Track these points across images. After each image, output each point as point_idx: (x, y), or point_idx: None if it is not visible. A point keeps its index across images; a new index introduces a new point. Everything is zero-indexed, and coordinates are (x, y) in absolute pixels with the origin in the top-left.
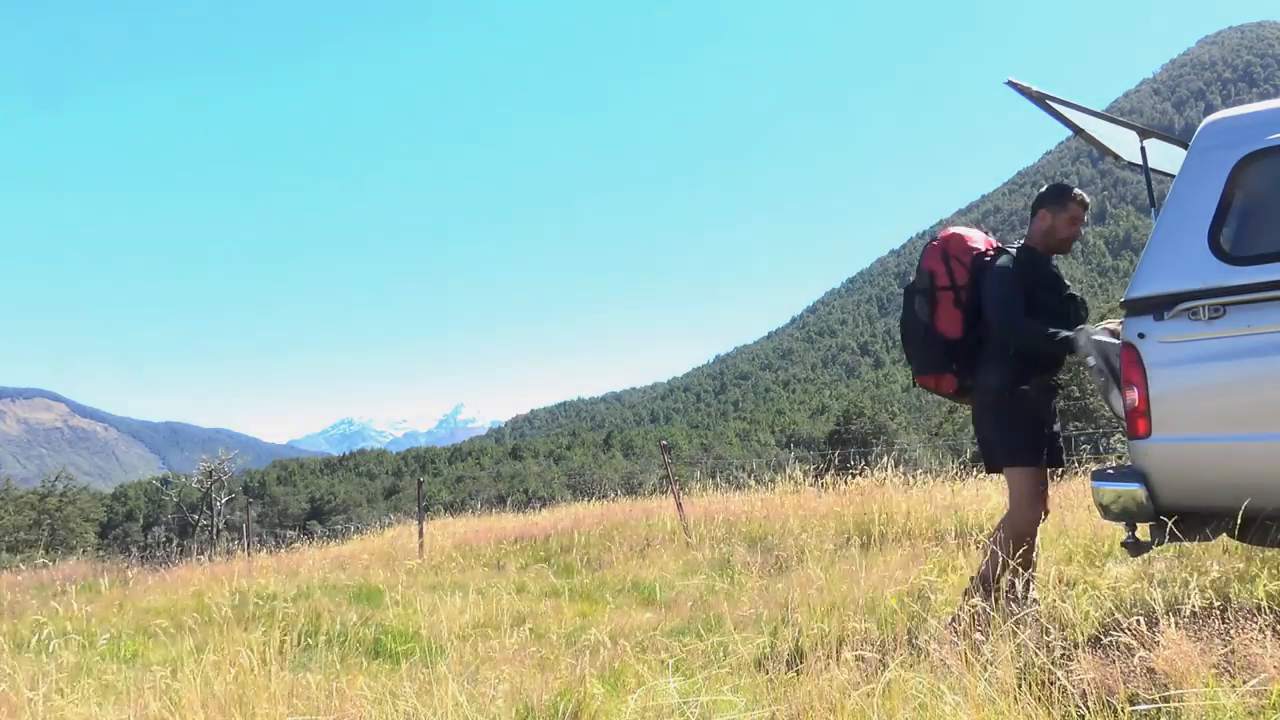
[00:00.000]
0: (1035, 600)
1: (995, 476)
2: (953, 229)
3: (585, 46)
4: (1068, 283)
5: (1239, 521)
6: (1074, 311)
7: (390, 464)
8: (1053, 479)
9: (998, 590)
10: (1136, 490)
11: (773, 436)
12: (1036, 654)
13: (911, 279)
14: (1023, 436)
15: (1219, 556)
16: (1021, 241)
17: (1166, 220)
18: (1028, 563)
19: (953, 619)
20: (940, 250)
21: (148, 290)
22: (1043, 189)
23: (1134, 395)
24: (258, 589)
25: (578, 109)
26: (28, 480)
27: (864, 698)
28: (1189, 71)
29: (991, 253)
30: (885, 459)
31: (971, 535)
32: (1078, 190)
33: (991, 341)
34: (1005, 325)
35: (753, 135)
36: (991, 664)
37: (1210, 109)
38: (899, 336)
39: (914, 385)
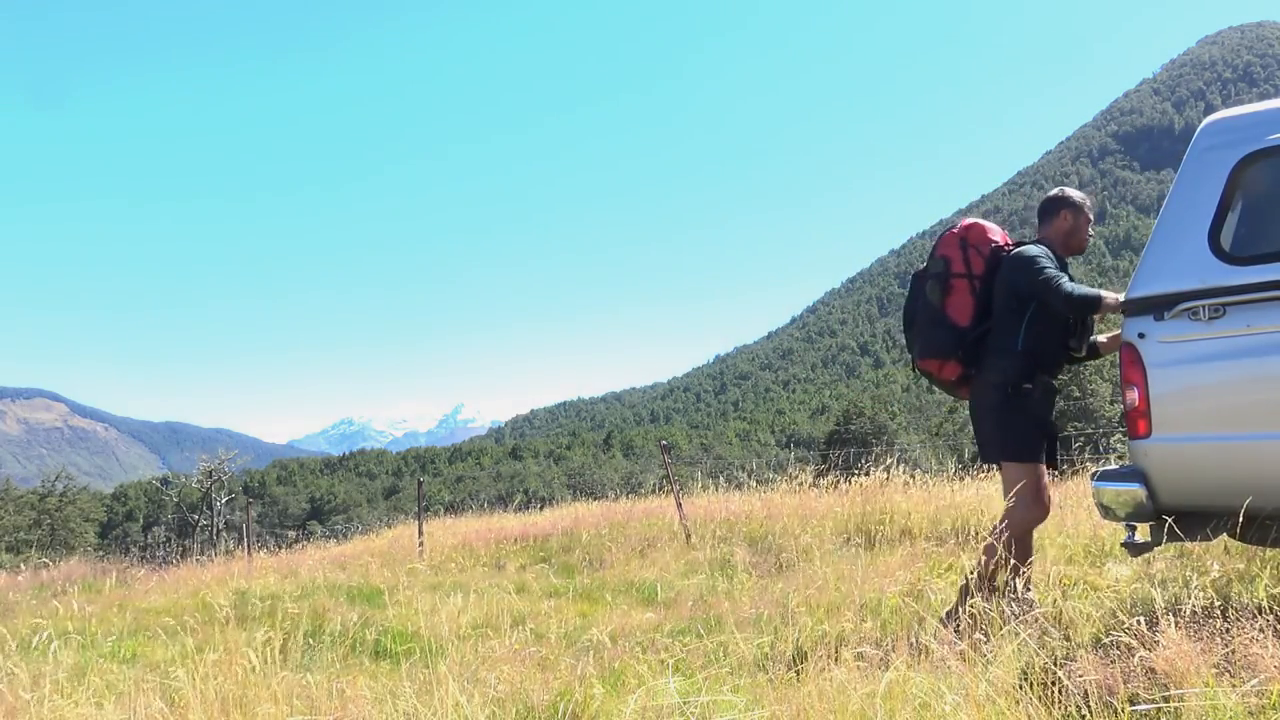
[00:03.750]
0: (1032, 600)
1: (997, 476)
2: (973, 219)
3: (584, 46)
4: None
5: (1239, 521)
6: (1079, 325)
7: (390, 464)
8: (1052, 480)
9: (996, 588)
10: (1136, 490)
11: (773, 436)
12: (1037, 654)
13: (923, 265)
14: (1024, 434)
15: (1219, 556)
16: (1038, 238)
17: (1166, 220)
18: (1024, 560)
19: (948, 614)
20: (960, 238)
21: (148, 290)
22: (1056, 192)
23: (1134, 395)
24: (258, 589)
25: (578, 108)
26: (28, 480)
27: (865, 698)
28: (1189, 71)
29: (1009, 247)
30: (888, 459)
31: (972, 535)
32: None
33: (998, 336)
34: (1061, 298)
35: (753, 135)
36: (992, 664)
37: (1210, 109)
38: (902, 329)
39: (914, 370)
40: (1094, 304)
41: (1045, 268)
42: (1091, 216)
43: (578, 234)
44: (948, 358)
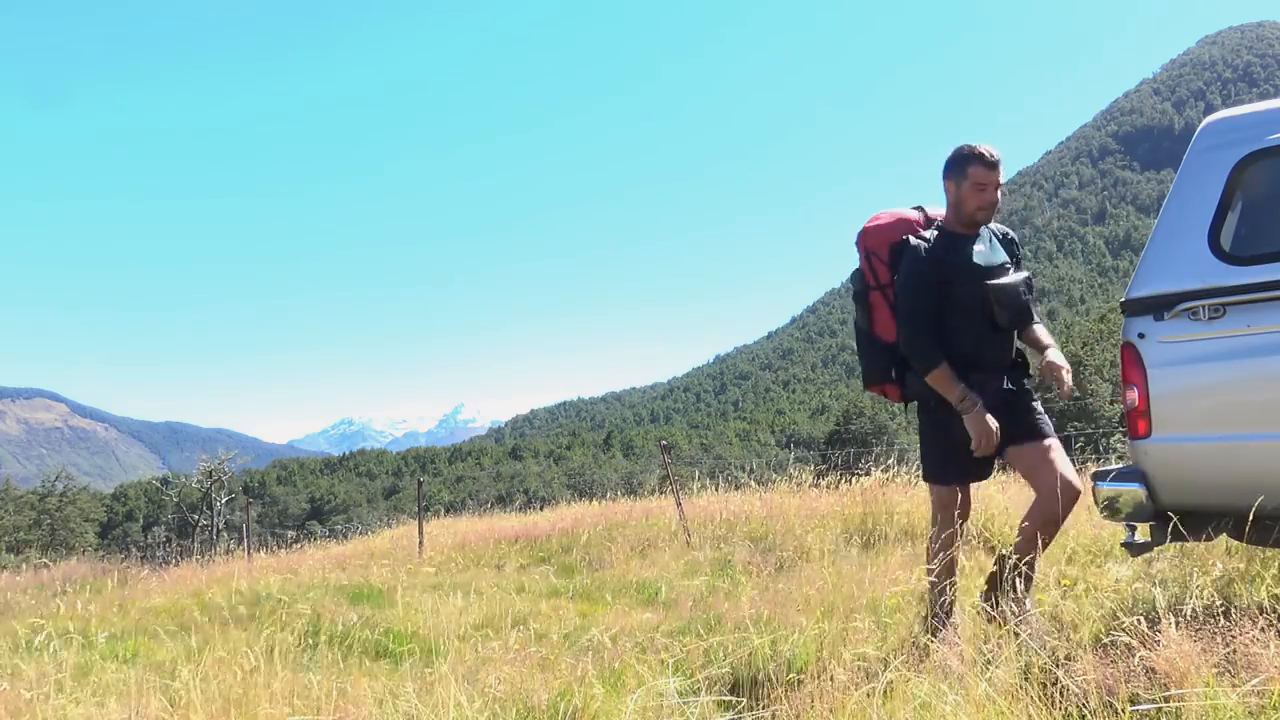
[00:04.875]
0: (955, 626)
1: (996, 476)
2: (872, 219)
3: (584, 46)
4: (1004, 264)
5: (1240, 521)
6: (995, 302)
7: (390, 464)
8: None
9: (935, 614)
10: (1136, 490)
11: (773, 436)
12: (1038, 654)
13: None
14: (934, 450)
15: (1220, 556)
16: (939, 221)
17: (1166, 220)
18: (945, 576)
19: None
20: (862, 246)
21: (148, 290)
22: (948, 155)
23: (1134, 395)
24: (258, 589)
25: (577, 108)
26: (28, 480)
27: (865, 698)
28: (1189, 71)
29: (909, 239)
30: (890, 459)
31: (972, 535)
32: (979, 148)
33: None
34: (904, 338)
35: (752, 134)
36: (993, 664)
37: (1210, 109)
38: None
39: (865, 390)
40: (919, 362)
41: (901, 298)
42: (985, 172)
43: (578, 234)
44: (884, 381)
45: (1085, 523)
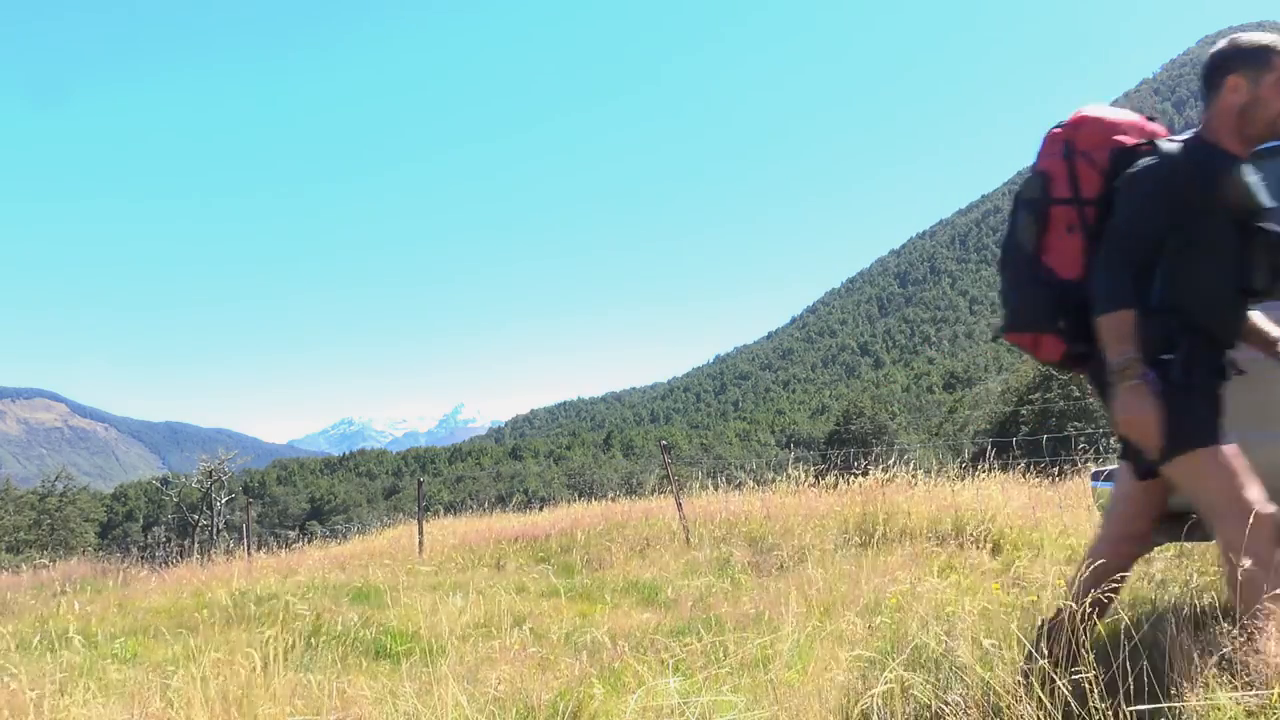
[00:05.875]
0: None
1: (996, 475)
2: (1088, 109)
3: (584, 46)
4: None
5: None
6: (1263, 253)
7: (390, 464)
8: (1054, 481)
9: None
10: None
11: (773, 436)
12: (1038, 654)
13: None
14: (1191, 416)
15: (1219, 557)
16: (1193, 133)
17: None
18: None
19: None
20: (1064, 141)
21: (148, 290)
22: (1223, 45)
23: None
24: (258, 589)
25: (577, 108)
26: (28, 480)
27: (865, 698)
28: (1189, 71)
29: (1147, 147)
30: (891, 459)
31: (972, 535)
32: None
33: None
34: (1101, 264)
35: (752, 135)
36: (993, 664)
37: None
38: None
39: (996, 339)
40: (1105, 295)
41: (1119, 220)
42: None
43: (578, 234)
44: (1044, 329)
45: (1085, 523)
